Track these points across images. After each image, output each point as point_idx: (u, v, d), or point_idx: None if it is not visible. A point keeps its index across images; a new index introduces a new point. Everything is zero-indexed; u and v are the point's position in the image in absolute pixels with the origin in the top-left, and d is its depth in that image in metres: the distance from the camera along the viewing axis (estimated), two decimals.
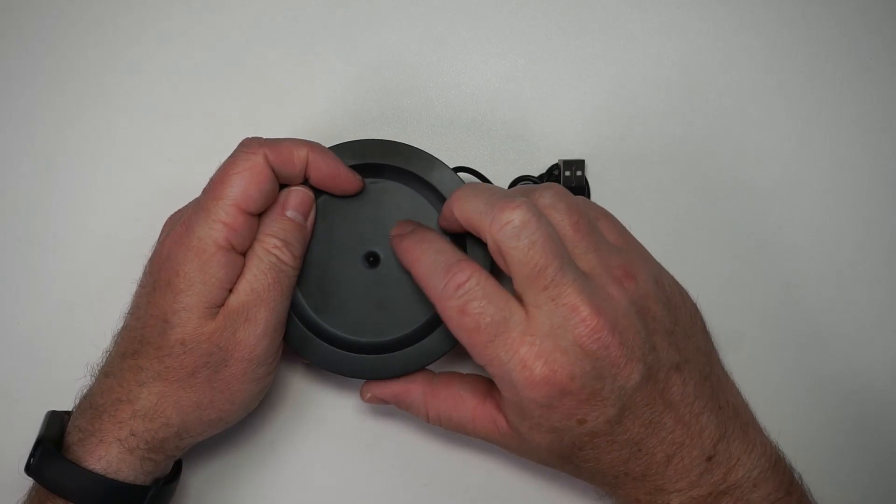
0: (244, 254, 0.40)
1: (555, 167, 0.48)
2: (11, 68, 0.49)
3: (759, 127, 0.49)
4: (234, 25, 0.50)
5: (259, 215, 0.41)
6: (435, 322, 0.42)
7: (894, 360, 0.48)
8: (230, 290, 0.39)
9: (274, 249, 0.40)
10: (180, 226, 0.39)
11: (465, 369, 0.48)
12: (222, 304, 0.39)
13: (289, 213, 0.41)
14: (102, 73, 0.49)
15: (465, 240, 0.42)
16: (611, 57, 0.50)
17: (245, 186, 0.39)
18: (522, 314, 0.35)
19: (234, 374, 0.39)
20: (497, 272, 0.38)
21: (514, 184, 0.47)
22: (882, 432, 0.48)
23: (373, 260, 0.43)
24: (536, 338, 0.35)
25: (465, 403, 0.41)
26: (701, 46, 0.50)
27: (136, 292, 0.41)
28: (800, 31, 0.50)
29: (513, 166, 0.48)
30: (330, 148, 0.42)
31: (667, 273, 0.40)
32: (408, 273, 0.42)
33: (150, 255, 0.41)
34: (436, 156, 0.43)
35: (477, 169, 0.47)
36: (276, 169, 0.40)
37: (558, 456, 0.38)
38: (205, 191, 0.40)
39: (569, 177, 0.47)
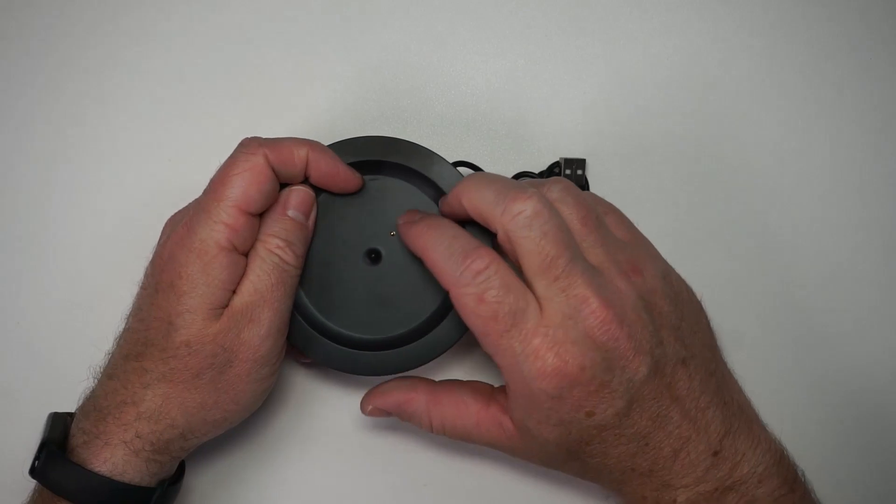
0: (246, 254, 0.40)
1: (555, 165, 0.48)
2: (11, 68, 0.49)
3: (760, 127, 0.49)
4: (234, 25, 0.50)
5: (260, 215, 0.41)
6: (438, 318, 0.43)
7: (894, 359, 0.48)
8: (233, 291, 0.39)
9: (277, 250, 0.40)
10: (182, 227, 0.39)
11: (463, 368, 0.48)
12: (226, 306, 0.39)
13: (290, 213, 0.41)
14: (102, 74, 0.49)
15: (465, 228, 0.42)
16: (611, 57, 0.50)
17: (246, 187, 0.39)
18: (537, 305, 0.36)
19: (238, 375, 0.39)
20: None
21: (515, 179, 0.47)
22: (882, 432, 0.48)
23: (374, 257, 0.43)
24: (549, 329, 0.35)
25: (468, 409, 0.40)
26: (701, 46, 0.50)
27: (137, 294, 0.41)
28: (800, 30, 0.50)
29: (513, 165, 0.48)
30: (329, 146, 0.42)
31: (673, 269, 0.40)
32: (409, 269, 0.42)
33: (150, 256, 0.41)
34: (435, 151, 0.43)
35: (477, 164, 0.47)
36: (276, 169, 0.40)
37: (566, 451, 0.38)
38: (205, 192, 0.40)
39: (569, 175, 0.47)
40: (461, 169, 0.46)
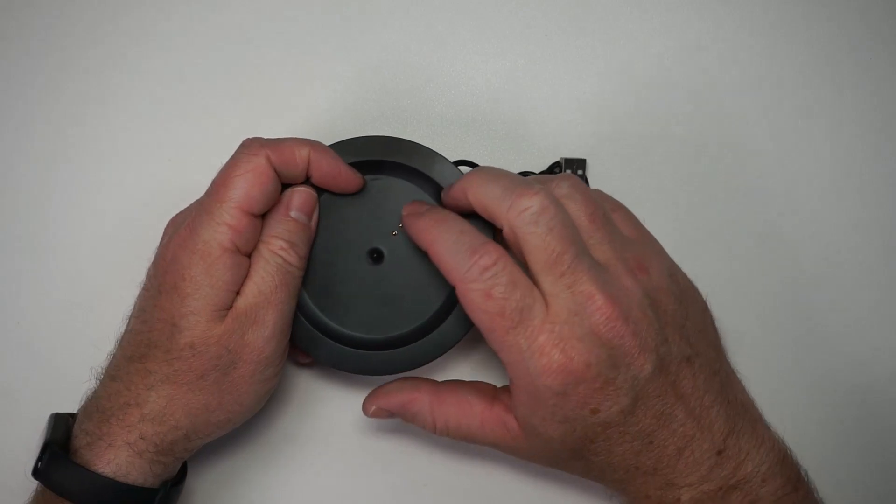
0: (249, 255, 0.40)
1: (555, 165, 0.48)
2: (11, 68, 0.49)
3: (760, 126, 0.49)
4: (234, 25, 0.50)
5: (262, 216, 0.41)
6: (441, 316, 0.43)
7: (894, 359, 0.49)
8: (237, 293, 0.39)
9: (280, 251, 0.40)
10: (184, 229, 0.39)
11: (465, 367, 0.48)
12: (230, 307, 0.39)
13: (293, 214, 0.41)
14: (102, 74, 0.49)
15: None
16: (611, 57, 0.50)
17: (248, 188, 0.39)
18: (543, 301, 0.36)
19: (242, 376, 0.39)
20: None
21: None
22: (882, 432, 0.48)
23: (376, 256, 0.43)
24: (555, 325, 0.35)
25: (472, 408, 0.40)
26: (701, 46, 0.50)
27: (140, 295, 0.41)
28: (800, 30, 0.50)
29: (514, 165, 0.48)
30: (330, 146, 0.42)
31: (679, 268, 0.40)
32: (412, 268, 0.42)
33: (152, 257, 0.41)
34: (436, 151, 0.43)
35: (478, 163, 0.47)
36: (278, 169, 0.40)
37: (570, 450, 0.38)
38: (207, 193, 0.40)
39: None
40: (462, 168, 0.45)
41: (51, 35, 0.50)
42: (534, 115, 0.49)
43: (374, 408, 0.42)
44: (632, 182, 0.49)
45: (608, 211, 0.39)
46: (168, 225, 0.43)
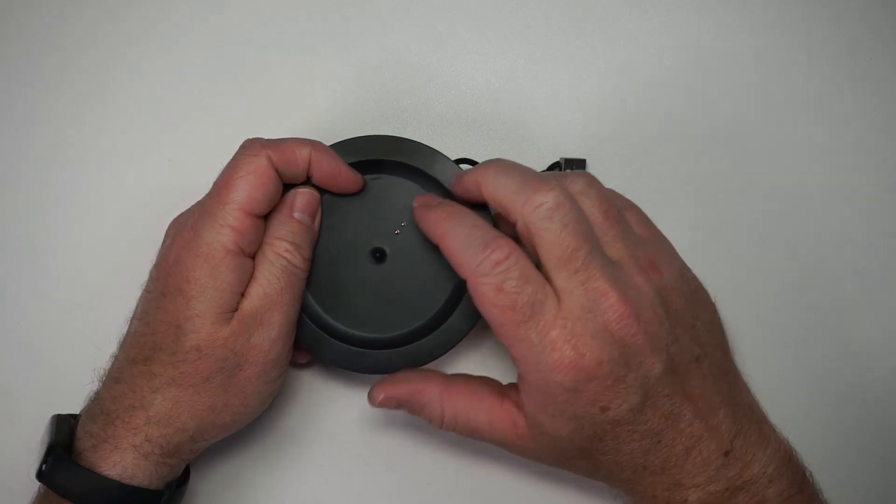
0: (252, 256, 0.40)
1: (555, 165, 0.48)
2: (11, 69, 0.49)
3: (760, 127, 0.49)
4: (234, 25, 0.50)
5: (265, 217, 0.41)
6: (444, 315, 0.43)
7: (894, 359, 0.49)
8: (242, 295, 0.39)
9: (285, 253, 0.40)
10: (187, 231, 0.39)
11: (469, 365, 0.48)
12: (235, 309, 0.39)
13: (296, 215, 0.41)
14: (102, 74, 0.49)
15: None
16: (611, 57, 0.50)
17: (250, 190, 0.39)
18: (555, 297, 0.35)
19: (248, 378, 0.39)
20: None
21: None
22: (882, 432, 0.48)
23: (379, 256, 0.43)
24: (568, 321, 0.35)
25: (482, 403, 0.40)
26: (701, 46, 0.50)
27: (142, 297, 0.41)
28: (800, 30, 0.50)
29: None
30: (331, 146, 0.42)
31: (689, 269, 0.40)
32: (415, 267, 0.43)
33: (154, 259, 0.41)
34: (437, 149, 0.43)
35: (479, 162, 0.47)
36: (279, 170, 0.40)
37: (578, 448, 0.38)
38: (210, 195, 0.40)
39: None
40: (463, 166, 0.46)
41: (51, 35, 0.50)
42: (534, 115, 0.49)
43: (382, 396, 0.41)
44: (632, 182, 0.49)
45: (622, 209, 0.39)
46: (170, 227, 0.43)
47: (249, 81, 0.49)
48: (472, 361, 0.48)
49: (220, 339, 0.38)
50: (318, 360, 0.47)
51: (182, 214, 0.43)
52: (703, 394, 0.37)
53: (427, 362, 0.43)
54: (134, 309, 0.41)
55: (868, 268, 0.49)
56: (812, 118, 0.50)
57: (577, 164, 0.47)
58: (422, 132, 0.49)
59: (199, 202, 0.41)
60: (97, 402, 0.39)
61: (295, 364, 0.47)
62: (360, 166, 0.43)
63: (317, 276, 0.43)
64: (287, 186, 0.41)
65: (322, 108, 0.49)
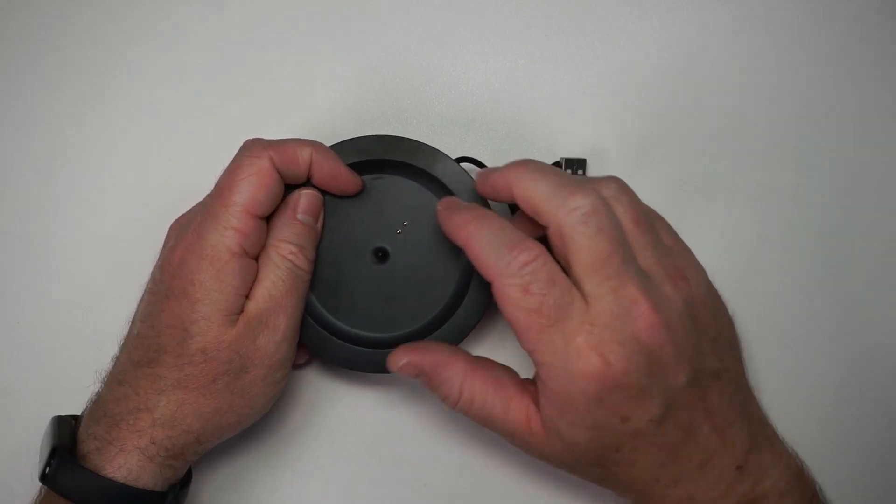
0: (256, 258, 0.40)
1: (556, 165, 0.48)
2: (12, 69, 0.49)
3: (761, 127, 0.49)
4: (234, 25, 0.50)
5: (267, 218, 0.41)
6: (447, 314, 0.43)
7: (894, 359, 0.49)
8: (246, 297, 0.39)
9: (290, 255, 0.40)
10: (191, 234, 0.39)
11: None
12: (240, 311, 0.39)
13: (300, 217, 0.41)
14: (102, 74, 0.49)
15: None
16: (611, 57, 0.50)
17: (253, 191, 0.39)
18: (583, 302, 0.35)
19: (253, 380, 0.39)
20: None
21: None
22: (882, 432, 0.48)
23: (381, 255, 0.43)
24: (595, 327, 0.34)
25: (502, 391, 0.38)
26: (701, 46, 0.50)
27: (145, 300, 0.41)
28: (800, 30, 0.50)
29: None
30: (331, 146, 0.42)
31: (711, 282, 0.40)
32: (417, 267, 0.43)
33: (156, 260, 0.41)
34: (438, 148, 0.43)
35: (480, 160, 0.47)
36: (280, 170, 0.40)
37: (592, 456, 0.37)
38: (212, 197, 0.40)
39: None
40: (465, 165, 0.46)
41: (51, 35, 0.50)
42: (534, 115, 0.49)
43: (404, 362, 0.39)
44: (632, 182, 0.49)
45: (652, 217, 0.38)
46: (171, 228, 0.43)
47: (249, 81, 0.49)
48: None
49: (226, 342, 0.38)
50: (315, 360, 0.48)
51: (183, 215, 0.43)
52: (720, 408, 0.37)
53: None
54: (135, 310, 0.41)
55: (868, 268, 0.49)
56: (812, 117, 0.50)
57: (578, 164, 0.47)
58: (422, 132, 0.49)
59: (200, 203, 0.41)
60: (100, 405, 0.39)
61: (294, 365, 0.47)
62: (361, 166, 0.43)
63: (319, 276, 0.43)
64: (287, 187, 0.41)
65: (322, 108, 0.49)
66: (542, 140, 0.49)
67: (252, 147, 0.40)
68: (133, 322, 0.41)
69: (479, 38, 0.50)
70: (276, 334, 0.39)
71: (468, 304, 0.43)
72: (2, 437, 0.47)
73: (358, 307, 0.43)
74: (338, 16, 0.50)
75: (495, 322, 0.48)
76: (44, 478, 0.37)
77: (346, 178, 0.42)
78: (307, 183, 0.42)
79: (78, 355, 0.46)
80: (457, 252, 0.43)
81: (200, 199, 0.41)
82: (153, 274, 0.41)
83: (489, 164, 0.47)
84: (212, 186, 0.41)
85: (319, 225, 0.42)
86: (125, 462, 0.37)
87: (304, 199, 0.41)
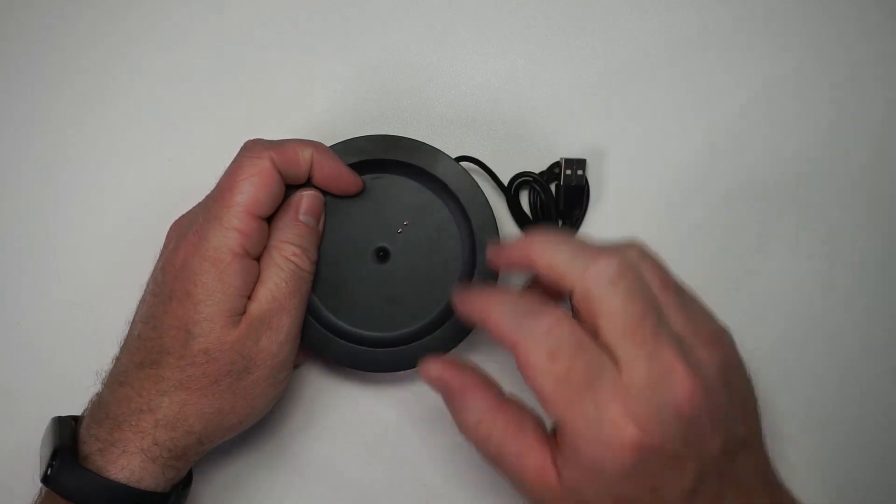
0: (257, 258, 0.40)
1: (556, 165, 0.48)
2: (12, 68, 0.49)
3: (760, 127, 0.49)
4: (234, 25, 0.50)
5: (268, 219, 0.41)
6: (448, 313, 0.43)
7: (894, 359, 0.49)
8: (249, 297, 0.39)
9: (293, 257, 0.40)
10: (193, 235, 0.39)
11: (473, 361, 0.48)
12: (242, 312, 0.39)
13: (302, 218, 0.41)
14: (102, 74, 0.49)
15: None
16: (611, 57, 0.50)
17: (255, 192, 0.39)
18: (614, 367, 0.32)
19: (255, 381, 0.39)
20: None
21: (514, 180, 0.48)
22: (882, 432, 0.48)
23: (382, 255, 0.44)
24: (631, 395, 0.32)
25: (523, 436, 0.35)
26: (701, 46, 0.50)
27: (146, 301, 0.40)
28: (800, 30, 0.50)
29: (513, 165, 0.48)
30: (332, 146, 0.42)
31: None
32: (418, 266, 0.43)
33: (156, 261, 0.41)
34: (438, 148, 0.43)
35: (479, 159, 0.47)
36: (282, 171, 0.40)
37: None
38: (213, 198, 0.40)
39: (569, 175, 0.47)
40: (464, 164, 0.46)
41: (51, 35, 0.50)
42: (534, 115, 0.49)
43: (436, 375, 0.37)
44: (631, 182, 0.49)
45: (678, 280, 0.36)
46: (171, 228, 0.43)
47: (249, 81, 0.49)
48: (474, 359, 0.48)
49: (229, 343, 0.38)
50: (316, 360, 0.48)
51: (183, 216, 0.42)
52: (746, 477, 0.35)
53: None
54: (135, 311, 0.41)
55: (867, 268, 0.49)
56: (813, 118, 0.50)
57: (577, 164, 0.47)
58: (422, 132, 0.49)
59: (200, 204, 0.41)
60: (101, 406, 0.39)
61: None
62: (362, 166, 0.43)
63: (321, 275, 0.43)
64: (288, 188, 0.41)
65: (322, 108, 0.49)
66: (542, 140, 0.49)
67: (253, 148, 0.40)
68: (134, 323, 0.41)
69: (479, 38, 0.50)
70: (278, 335, 0.39)
71: None
72: (2, 437, 0.47)
73: (359, 306, 0.43)
74: (338, 16, 0.50)
75: None
76: (45, 479, 0.37)
77: (346, 179, 0.42)
78: (308, 183, 0.42)
79: (78, 355, 0.46)
80: (457, 251, 0.44)
81: (200, 199, 0.41)
82: (154, 275, 0.41)
83: (489, 163, 0.47)
84: (212, 186, 0.41)
85: (321, 225, 0.43)
86: (128, 463, 0.37)
87: (306, 200, 0.41)
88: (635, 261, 0.35)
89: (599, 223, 0.49)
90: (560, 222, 0.48)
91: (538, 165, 0.48)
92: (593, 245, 0.35)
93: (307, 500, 0.47)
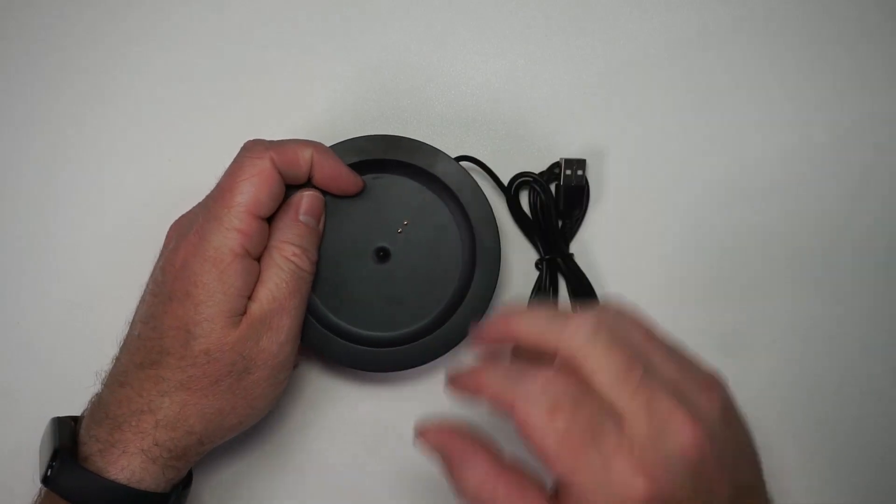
0: (258, 259, 0.40)
1: (556, 165, 0.48)
2: (12, 68, 0.49)
3: (760, 127, 0.49)
4: (234, 26, 0.50)
5: (268, 219, 0.40)
6: (449, 312, 0.43)
7: (893, 359, 0.49)
8: (249, 298, 0.39)
9: (293, 257, 0.40)
10: (193, 235, 0.39)
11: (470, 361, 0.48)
12: (243, 313, 0.39)
13: (302, 218, 0.41)
14: (102, 74, 0.49)
15: None
16: (611, 57, 0.50)
17: (255, 192, 0.39)
18: (615, 420, 0.32)
19: (256, 381, 0.39)
20: None
21: (514, 180, 0.48)
22: (882, 432, 0.48)
23: (383, 255, 0.44)
24: (635, 445, 0.31)
25: (527, 501, 0.33)
26: (701, 46, 0.50)
27: (146, 301, 0.40)
28: (800, 30, 0.50)
29: (513, 165, 0.48)
30: (332, 146, 0.42)
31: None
32: (418, 266, 0.43)
33: (156, 262, 0.41)
34: (438, 147, 0.43)
35: (479, 159, 0.47)
36: (282, 171, 0.40)
37: None
38: (213, 198, 0.40)
39: (569, 175, 0.47)
40: (464, 164, 0.46)
41: (51, 35, 0.50)
42: (534, 115, 0.49)
43: (434, 439, 0.36)
44: (631, 182, 0.49)
45: (663, 331, 0.36)
46: (171, 229, 0.43)
47: (249, 81, 0.49)
48: (475, 359, 0.48)
49: (230, 343, 0.38)
50: (316, 360, 0.48)
51: (183, 216, 0.42)
52: None
53: (431, 360, 0.43)
54: (134, 312, 0.41)
55: (867, 269, 0.49)
56: (813, 118, 0.50)
57: (577, 165, 0.47)
58: (422, 132, 0.49)
59: (200, 204, 0.41)
60: (101, 406, 0.39)
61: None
62: (362, 166, 0.43)
63: (321, 275, 0.43)
64: (288, 188, 0.41)
65: (322, 108, 0.49)
66: (542, 140, 0.49)
67: (253, 148, 0.40)
68: (133, 323, 0.41)
69: (479, 38, 0.50)
70: (279, 336, 0.39)
71: (469, 302, 0.43)
72: (2, 437, 0.47)
73: (359, 306, 0.43)
74: (338, 16, 0.50)
75: None
76: (46, 480, 0.37)
77: (346, 179, 0.42)
78: (308, 183, 0.42)
79: (78, 355, 0.46)
80: (458, 251, 0.44)
81: (200, 199, 0.41)
82: (154, 275, 0.41)
83: (489, 163, 0.47)
84: (212, 186, 0.41)
85: (321, 226, 0.42)
86: (128, 464, 0.37)
87: (306, 200, 0.41)
88: (612, 316, 0.34)
89: (599, 223, 0.49)
90: (560, 223, 0.48)
91: (538, 165, 0.48)
92: (568, 310, 0.34)
93: (307, 500, 0.47)
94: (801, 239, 0.49)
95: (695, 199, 0.49)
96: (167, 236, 0.42)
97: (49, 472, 0.37)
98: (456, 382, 0.36)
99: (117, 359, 0.40)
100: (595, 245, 0.48)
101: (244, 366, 0.39)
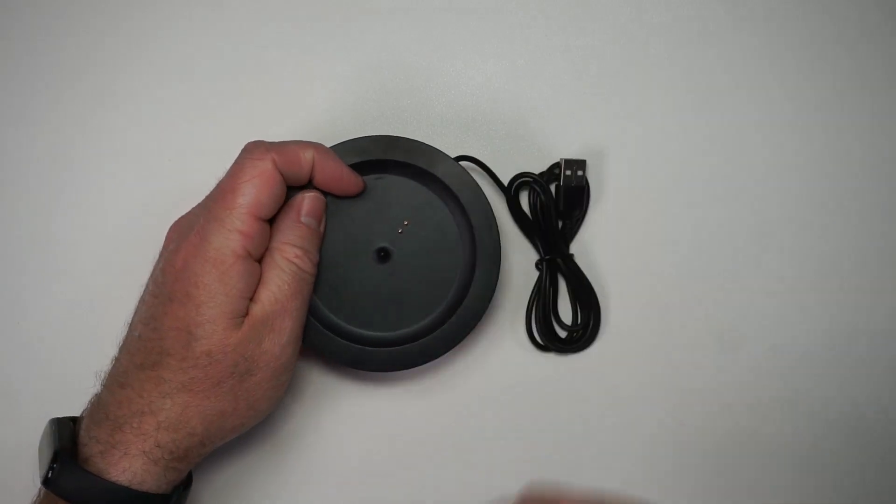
0: (259, 260, 0.40)
1: (556, 165, 0.48)
2: (13, 69, 0.49)
3: (760, 128, 0.49)
4: (234, 26, 0.50)
5: (269, 220, 0.40)
6: (449, 312, 0.43)
7: (892, 359, 0.49)
8: (251, 299, 0.39)
9: (295, 259, 0.40)
10: (194, 236, 0.39)
11: (473, 360, 0.48)
12: (245, 314, 0.39)
13: (304, 220, 0.41)
14: (103, 75, 0.49)
15: None
16: (611, 56, 0.50)
17: (257, 194, 0.39)
18: None
19: (258, 383, 0.39)
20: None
21: (514, 180, 0.48)
22: (882, 432, 0.48)
23: (383, 255, 0.44)
24: None
25: None
26: (701, 46, 0.50)
27: (146, 302, 0.40)
28: (800, 30, 0.50)
29: (513, 165, 0.48)
30: (332, 147, 0.42)
31: None
32: (419, 266, 0.43)
33: (156, 262, 0.41)
34: (438, 148, 0.43)
35: (479, 159, 0.47)
36: (283, 172, 0.40)
37: None
38: (214, 199, 0.40)
39: (569, 176, 0.47)
40: (464, 164, 0.46)
41: (51, 35, 0.50)
42: (534, 115, 0.49)
43: None
44: (631, 182, 0.49)
45: None
46: (171, 229, 0.42)
47: (249, 81, 0.49)
48: (475, 359, 0.48)
49: (231, 345, 0.38)
50: (317, 360, 0.48)
51: (183, 217, 0.42)
52: None
53: (432, 359, 0.43)
54: (134, 312, 0.41)
55: (867, 270, 0.49)
56: (813, 119, 0.50)
57: (577, 165, 0.47)
58: (422, 132, 0.49)
59: (200, 205, 0.41)
60: (101, 407, 0.39)
61: None
62: (362, 166, 0.43)
63: (322, 275, 0.43)
64: (289, 189, 0.41)
65: (322, 108, 0.49)
66: (542, 140, 0.49)
67: (254, 149, 0.40)
68: (133, 324, 0.40)
69: (479, 38, 0.50)
70: (281, 337, 0.39)
71: (469, 302, 0.43)
72: (2, 437, 0.47)
73: (360, 306, 0.43)
74: (338, 16, 0.50)
75: (496, 320, 0.48)
76: (46, 481, 0.37)
77: (347, 180, 0.42)
78: (309, 184, 0.42)
79: (78, 355, 0.46)
80: (458, 251, 0.44)
81: (200, 199, 0.41)
82: (154, 276, 0.40)
83: (489, 163, 0.48)
84: (212, 187, 0.40)
85: (322, 227, 0.42)
86: (129, 465, 0.37)
87: (308, 201, 0.41)
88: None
89: (599, 223, 0.49)
90: (560, 223, 0.48)
91: (538, 165, 0.48)
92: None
93: (307, 500, 0.47)
94: (800, 239, 0.49)
95: (695, 199, 0.49)
96: (167, 237, 0.42)
97: (50, 474, 0.37)
98: None
99: (117, 360, 0.40)
100: (595, 245, 0.48)
101: (246, 367, 0.39)
